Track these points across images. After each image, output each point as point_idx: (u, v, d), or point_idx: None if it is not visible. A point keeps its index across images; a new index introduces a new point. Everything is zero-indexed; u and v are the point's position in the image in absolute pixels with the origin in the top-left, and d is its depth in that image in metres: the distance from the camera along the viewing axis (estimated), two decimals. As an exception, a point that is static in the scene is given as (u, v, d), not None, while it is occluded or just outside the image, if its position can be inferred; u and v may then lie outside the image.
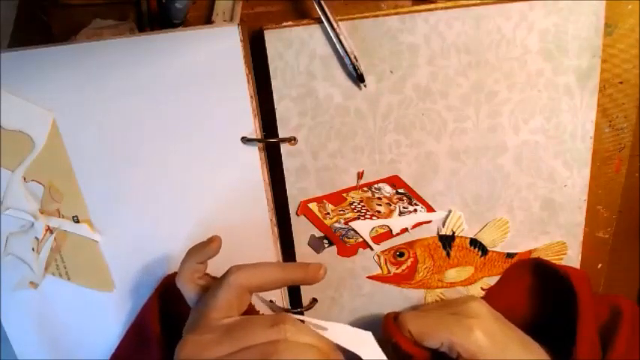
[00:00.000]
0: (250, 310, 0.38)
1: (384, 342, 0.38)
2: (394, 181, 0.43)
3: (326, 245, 0.45)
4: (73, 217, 0.44)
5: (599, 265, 0.48)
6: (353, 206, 0.44)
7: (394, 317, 0.39)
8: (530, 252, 0.45)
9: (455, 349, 0.36)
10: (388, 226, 0.45)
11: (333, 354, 0.32)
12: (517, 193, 0.44)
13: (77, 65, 0.40)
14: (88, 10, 0.44)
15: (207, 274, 0.37)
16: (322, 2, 0.39)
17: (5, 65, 0.40)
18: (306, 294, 0.46)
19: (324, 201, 0.44)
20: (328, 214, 0.44)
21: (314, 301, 0.46)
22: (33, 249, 0.45)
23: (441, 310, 0.40)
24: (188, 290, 0.35)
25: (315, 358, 0.30)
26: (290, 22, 0.40)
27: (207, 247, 0.36)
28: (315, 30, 0.40)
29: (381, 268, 0.46)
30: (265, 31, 0.40)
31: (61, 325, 0.46)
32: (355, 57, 0.40)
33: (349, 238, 0.45)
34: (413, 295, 0.46)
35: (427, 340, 0.37)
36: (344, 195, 0.44)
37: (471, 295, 0.46)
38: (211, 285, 0.34)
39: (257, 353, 0.29)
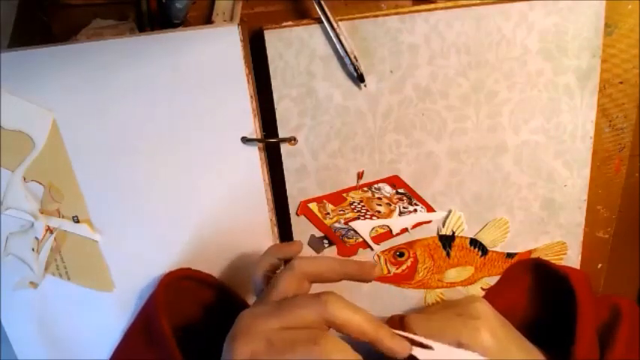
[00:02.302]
0: None
1: None
2: (394, 181, 0.43)
3: (326, 245, 0.45)
4: (73, 217, 0.44)
5: (599, 265, 0.48)
6: (353, 206, 0.44)
7: (399, 320, 0.39)
8: (530, 252, 0.45)
9: None
10: (388, 226, 0.45)
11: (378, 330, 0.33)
12: (517, 193, 0.44)
13: (77, 65, 0.40)
14: (88, 10, 0.44)
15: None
16: (322, 2, 0.39)
17: (5, 65, 0.40)
18: (306, 294, 0.46)
19: (324, 201, 0.44)
20: (328, 214, 0.44)
21: (314, 301, 0.46)
22: (33, 249, 0.45)
23: (445, 312, 0.40)
24: (259, 279, 0.37)
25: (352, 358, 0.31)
26: (290, 22, 0.40)
27: (290, 247, 0.38)
28: (315, 30, 0.40)
29: (381, 268, 0.46)
30: (265, 31, 0.40)
31: (61, 325, 0.46)
32: (355, 57, 0.40)
33: (349, 238, 0.45)
34: (413, 295, 0.46)
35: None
36: (344, 195, 0.44)
37: (474, 295, 0.46)
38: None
39: (303, 334, 0.30)
